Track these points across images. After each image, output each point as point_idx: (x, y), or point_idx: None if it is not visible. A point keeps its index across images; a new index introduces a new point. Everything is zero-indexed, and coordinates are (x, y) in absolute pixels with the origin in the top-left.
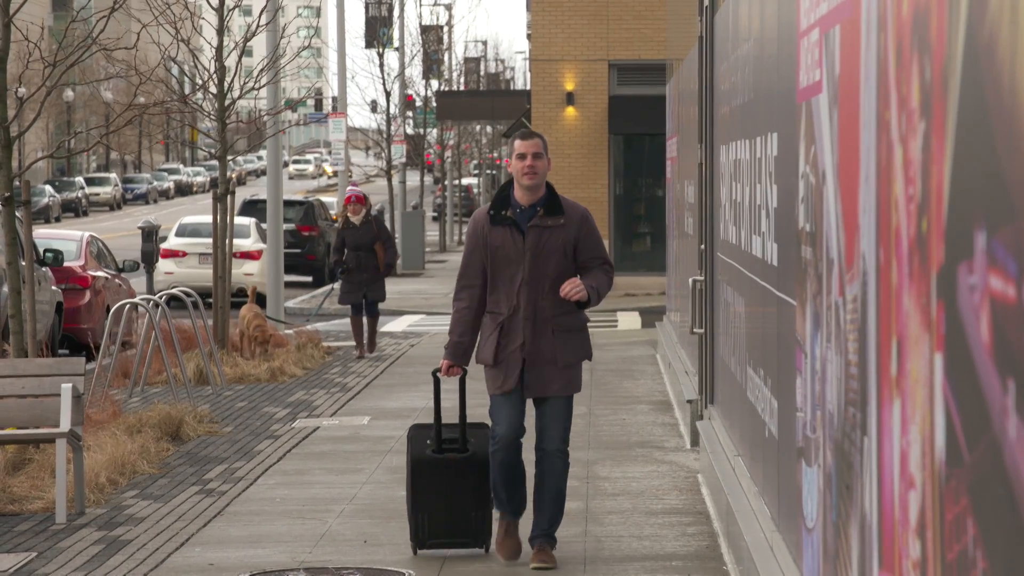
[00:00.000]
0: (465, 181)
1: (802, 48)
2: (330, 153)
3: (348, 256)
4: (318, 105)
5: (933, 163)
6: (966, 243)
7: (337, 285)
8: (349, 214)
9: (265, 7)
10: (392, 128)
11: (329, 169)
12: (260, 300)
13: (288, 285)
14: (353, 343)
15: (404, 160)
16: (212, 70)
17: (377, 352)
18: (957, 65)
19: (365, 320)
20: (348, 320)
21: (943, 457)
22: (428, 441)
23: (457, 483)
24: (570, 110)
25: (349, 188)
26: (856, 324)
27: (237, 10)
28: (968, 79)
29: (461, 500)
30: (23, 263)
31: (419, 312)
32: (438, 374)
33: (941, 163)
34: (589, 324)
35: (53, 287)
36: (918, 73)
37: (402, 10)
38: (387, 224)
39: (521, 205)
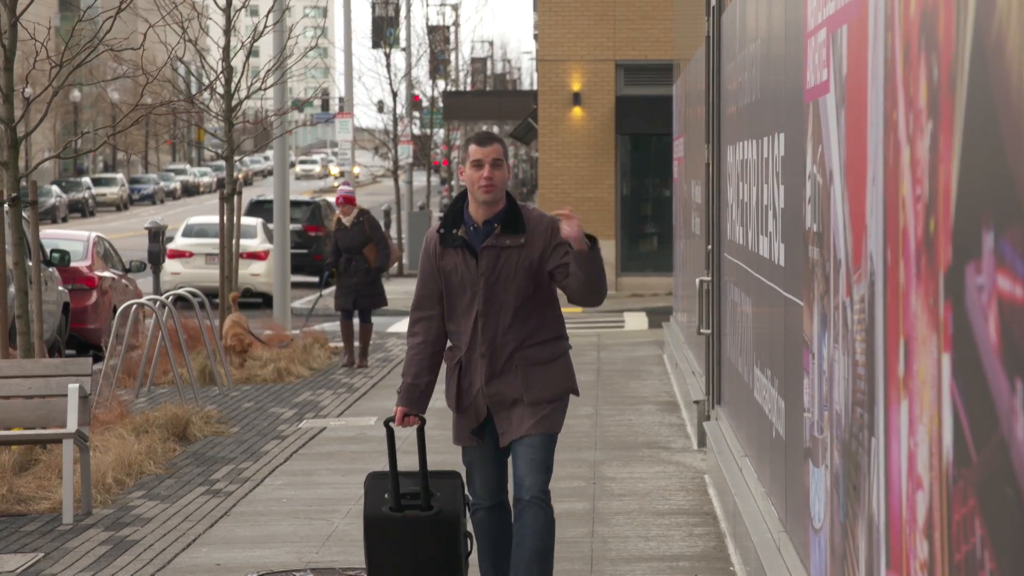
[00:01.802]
0: None
1: (809, 48)
2: (335, 155)
3: (340, 259)
4: (325, 105)
5: (940, 163)
6: (974, 243)
7: (328, 290)
8: (340, 215)
9: (272, 7)
10: (399, 128)
11: (335, 170)
12: (267, 301)
13: (295, 286)
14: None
15: (411, 160)
16: (219, 70)
17: (384, 351)
18: (965, 65)
19: (357, 327)
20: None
21: (951, 457)
22: (386, 495)
23: (420, 547)
24: (577, 110)
25: (340, 188)
26: (863, 324)
27: (244, 10)
28: (976, 79)
29: (426, 567)
30: (30, 263)
31: None
32: (391, 424)
33: (949, 163)
34: (597, 325)
35: (60, 287)
36: (926, 73)
37: (408, 10)
38: (394, 224)
39: (475, 222)
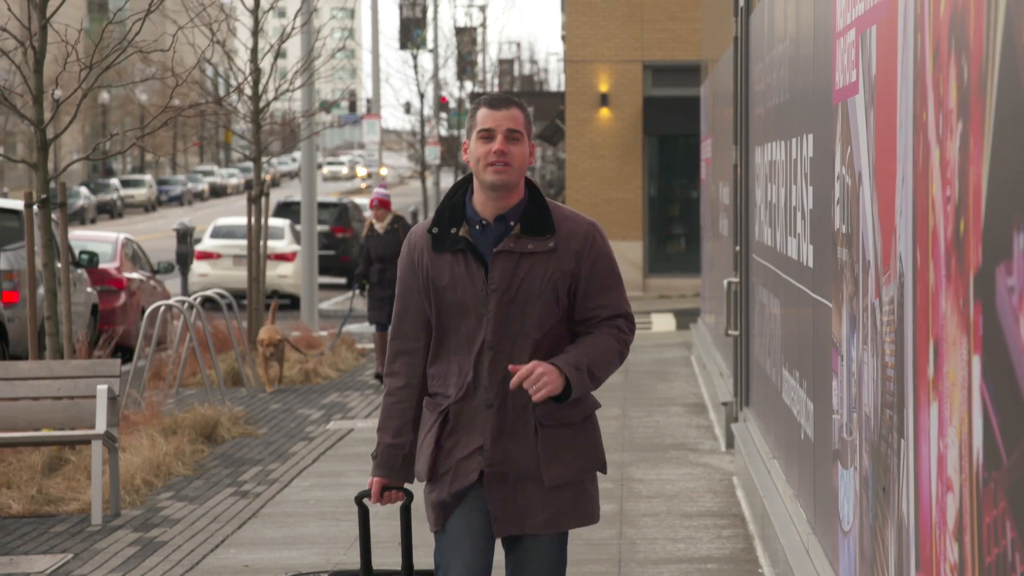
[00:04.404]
0: None
1: (838, 49)
2: (362, 156)
3: (372, 269)
4: (352, 107)
5: (971, 164)
6: (1004, 244)
7: (357, 297)
8: (373, 220)
9: (300, 9)
10: (426, 130)
11: (362, 171)
12: (295, 303)
13: (322, 287)
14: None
15: (438, 162)
16: (247, 72)
17: None
18: (995, 65)
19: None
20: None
21: (981, 459)
22: None
23: None
24: (604, 111)
25: (376, 190)
26: (893, 326)
27: (271, 12)
28: (1006, 79)
29: None
30: (59, 265)
31: None
32: (365, 500)
33: (979, 164)
34: None
35: (88, 289)
36: (955, 73)
37: (436, 12)
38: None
39: (483, 218)
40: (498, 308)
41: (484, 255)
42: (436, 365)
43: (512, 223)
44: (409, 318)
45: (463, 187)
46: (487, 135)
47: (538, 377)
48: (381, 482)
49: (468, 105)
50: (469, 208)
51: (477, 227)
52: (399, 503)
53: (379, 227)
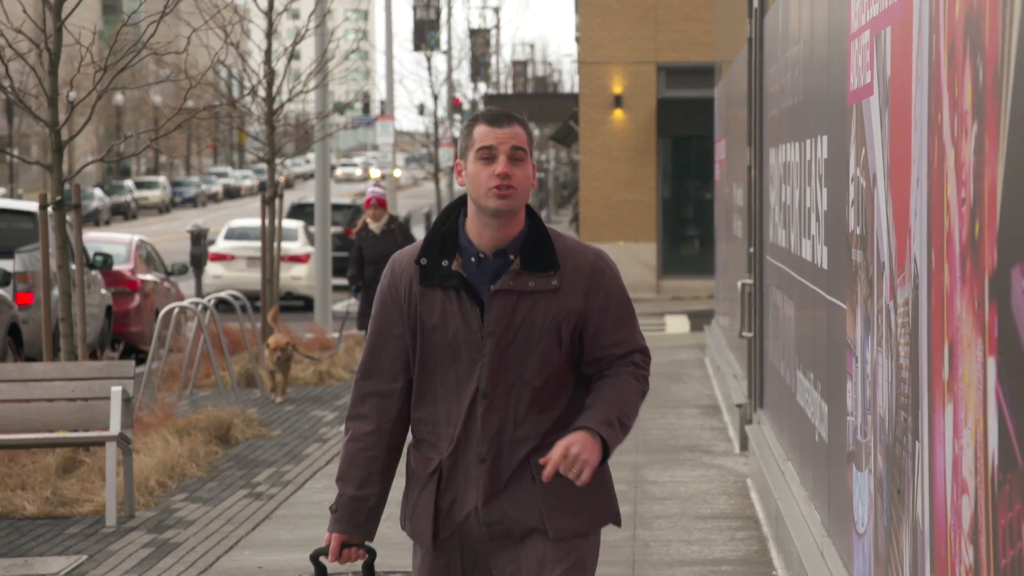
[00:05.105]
0: None
1: (852, 50)
2: (375, 158)
3: (367, 271)
4: (366, 108)
5: (986, 165)
6: (1020, 246)
7: (352, 303)
8: (369, 219)
9: (313, 11)
10: (440, 131)
11: (375, 173)
12: (308, 304)
13: (336, 288)
14: None
15: (451, 163)
16: (261, 74)
17: None
18: (1010, 66)
19: None
20: None
21: (996, 461)
22: None
23: None
24: (618, 113)
25: (371, 189)
26: (907, 328)
27: (285, 14)
28: (1021, 80)
29: None
30: (73, 266)
31: None
32: (323, 559)
33: (994, 165)
34: None
35: (103, 290)
36: (970, 74)
37: (450, 13)
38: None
39: (480, 250)
40: (494, 353)
41: (480, 293)
42: (423, 409)
43: (511, 256)
44: (387, 356)
45: (455, 212)
46: (488, 155)
47: (574, 460)
48: (341, 539)
49: (482, 107)
50: (463, 237)
51: (473, 259)
52: (359, 562)
53: (375, 227)
